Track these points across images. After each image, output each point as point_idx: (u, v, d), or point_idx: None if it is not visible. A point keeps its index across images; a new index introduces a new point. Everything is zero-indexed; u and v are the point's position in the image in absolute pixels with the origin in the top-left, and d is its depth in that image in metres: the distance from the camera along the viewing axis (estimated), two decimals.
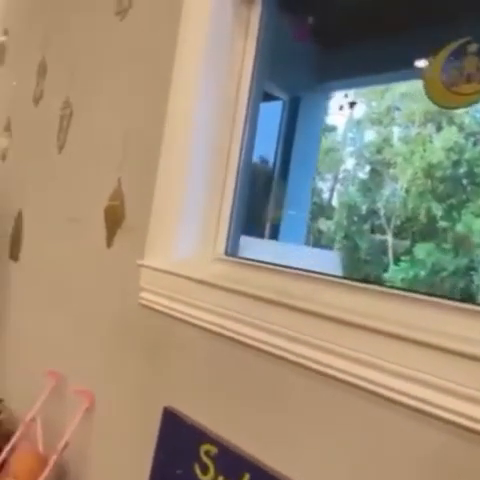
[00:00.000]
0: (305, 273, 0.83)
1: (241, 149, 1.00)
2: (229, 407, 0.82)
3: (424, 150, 4.64)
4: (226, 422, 0.81)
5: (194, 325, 0.88)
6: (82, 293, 1.20)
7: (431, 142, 4.78)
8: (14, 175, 1.66)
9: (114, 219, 1.12)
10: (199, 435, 0.83)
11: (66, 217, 1.34)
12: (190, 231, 0.98)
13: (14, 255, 1.57)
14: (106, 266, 1.12)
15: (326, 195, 5.70)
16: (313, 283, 0.80)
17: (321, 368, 0.68)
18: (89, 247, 1.20)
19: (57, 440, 1.11)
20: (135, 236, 1.04)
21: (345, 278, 0.81)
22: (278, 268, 0.87)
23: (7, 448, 1.10)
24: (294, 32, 0.89)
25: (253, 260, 0.93)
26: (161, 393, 0.93)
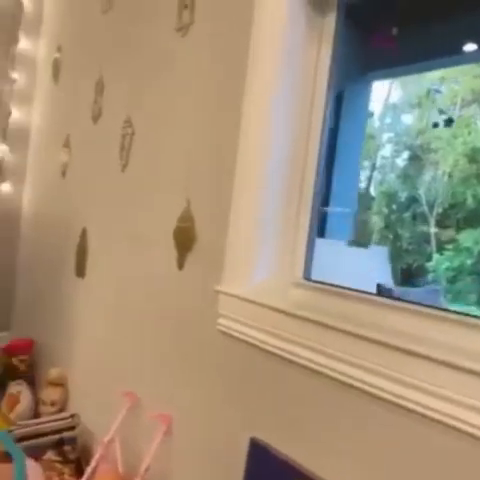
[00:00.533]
0: (389, 301, 0.80)
1: (318, 163, 0.96)
2: (315, 440, 0.79)
3: (469, 133, 4.41)
4: (311, 454, 0.79)
5: (274, 354, 0.85)
6: (154, 313, 1.20)
7: (475, 124, 4.55)
8: (76, 192, 1.69)
9: (184, 241, 1.11)
10: (289, 469, 0.81)
11: (131, 235, 1.35)
12: (268, 254, 0.95)
13: (80, 272, 1.60)
14: (179, 288, 1.11)
15: (363, 184, 5.55)
16: (399, 313, 0.76)
17: (406, 403, 0.64)
18: (159, 267, 1.20)
19: (135, 462, 1.12)
20: (208, 259, 1.03)
21: (444, 310, 0.76)
22: (359, 295, 0.84)
23: (88, 470, 1.12)
24: (374, 39, 0.84)
25: (333, 285, 0.90)
26: (242, 421, 0.91)
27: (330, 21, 0.93)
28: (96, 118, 1.57)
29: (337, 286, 0.90)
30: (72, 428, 1.44)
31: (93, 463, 1.14)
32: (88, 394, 1.51)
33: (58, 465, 1.20)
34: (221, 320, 0.96)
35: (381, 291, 2.99)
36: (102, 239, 1.51)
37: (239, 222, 0.95)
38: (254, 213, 0.94)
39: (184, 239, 1.11)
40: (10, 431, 1.35)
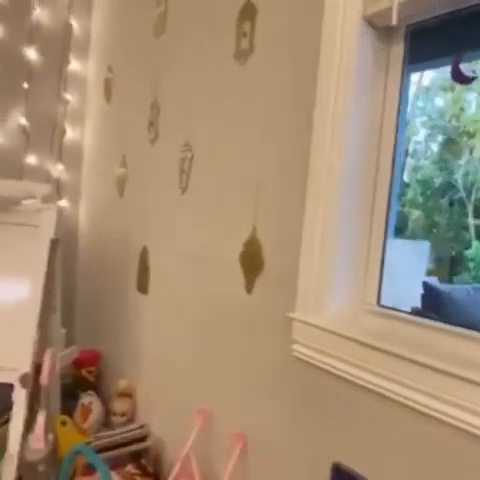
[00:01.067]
0: (460, 330, 0.81)
1: (390, 190, 0.96)
2: (392, 464, 0.81)
3: None
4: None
5: (350, 382, 0.87)
6: (223, 333, 1.25)
7: None
8: (135, 211, 1.75)
9: (252, 265, 1.14)
10: None
11: (194, 256, 1.39)
12: (340, 281, 0.97)
13: (143, 288, 1.67)
14: (249, 311, 1.15)
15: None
16: (473, 342, 0.77)
17: None
18: (226, 289, 1.24)
19: (211, 477, 1.18)
20: (278, 284, 1.06)
21: None
22: (431, 323, 0.85)
23: None
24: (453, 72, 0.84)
25: (405, 312, 0.92)
26: (322, 445, 0.95)
27: (397, 49, 0.93)
28: (153, 141, 1.62)
29: (409, 312, 0.91)
30: (144, 438, 1.53)
31: (171, 478, 1.20)
32: (155, 405, 1.58)
33: (138, 478, 1.27)
34: (296, 346, 0.99)
35: (427, 289, 2.96)
36: (164, 258, 1.56)
37: (311, 249, 0.97)
38: (327, 241, 0.95)
39: (251, 263, 1.15)
40: (88, 443, 1.44)
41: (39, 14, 2.06)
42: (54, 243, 1.48)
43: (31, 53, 2.05)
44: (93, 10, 2.22)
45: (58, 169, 2.18)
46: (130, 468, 1.30)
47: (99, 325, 2.00)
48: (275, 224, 1.09)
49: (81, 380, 1.78)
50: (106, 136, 2.06)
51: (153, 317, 1.62)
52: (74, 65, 2.19)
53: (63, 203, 2.21)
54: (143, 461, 1.37)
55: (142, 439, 1.53)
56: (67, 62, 2.16)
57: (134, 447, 1.48)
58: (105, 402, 1.73)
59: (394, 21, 0.82)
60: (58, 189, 2.19)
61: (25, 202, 1.51)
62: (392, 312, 0.93)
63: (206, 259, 1.33)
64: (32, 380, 1.41)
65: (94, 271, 2.10)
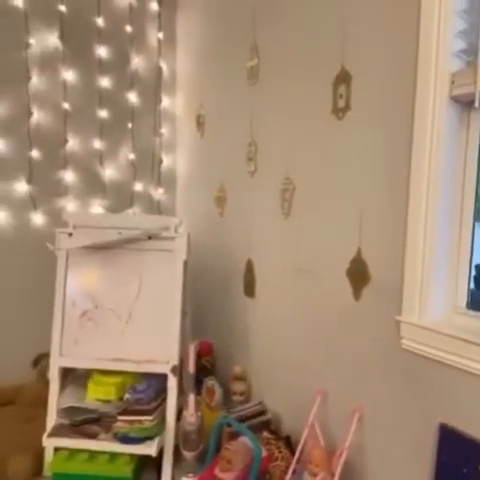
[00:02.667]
0: None
1: (473, 225, 1.27)
2: None
3: None
4: None
5: (449, 365, 1.20)
6: (330, 333, 1.60)
7: None
8: (237, 230, 2.12)
9: (359, 279, 1.48)
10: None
11: (298, 269, 1.74)
12: (438, 289, 1.29)
13: (250, 293, 2.05)
14: (357, 314, 1.49)
15: None
16: None
17: None
18: (333, 296, 1.58)
19: (334, 440, 1.56)
20: (385, 294, 1.39)
21: None
22: None
23: (301, 443, 1.57)
24: None
25: None
26: (428, 411, 1.29)
27: (475, 115, 1.22)
28: (252, 173, 1.97)
29: None
30: (264, 412, 1.92)
31: (302, 439, 1.58)
32: (269, 386, 1.97)
33: (273, 441, 1.66)
34: (403, 340, 1.33)
35: None
36: (269, 269, 1.93)
37: (413, 266, 1.30)
38: (427, 258, 1.27)
39: (358, 277, 1.49)
40: (225, 417, 1.85)
41: (137, 62, 2.43)
42: (185, 263, 1.87)
43: (132, 97, 2.43)
44: (177, 53, 2.56)
45: (159, 193, 2.58)
46: (266, 434, 1.70)
47: (211, 322, 2.40)
48: (379, 245, 1.41)
49: (202, 367, 2.19)
50: (201, 164, 2.42)
51: (261, 316, 2.00)
52: (165, 102, 2.55)
53: None
54: (272, 428, 1.76)
55: (262, 413, 1.92)
56: (159, 100, 2.53)
57: (259, 419, 1.87)
58: (222, 385, 2.14)
59: (477, 104, 1.12)
60: (159, 210, 2.59)
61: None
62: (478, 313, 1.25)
63: (312, 271, 1.68)
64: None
65: (203, 278, 2.48)
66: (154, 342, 1.83)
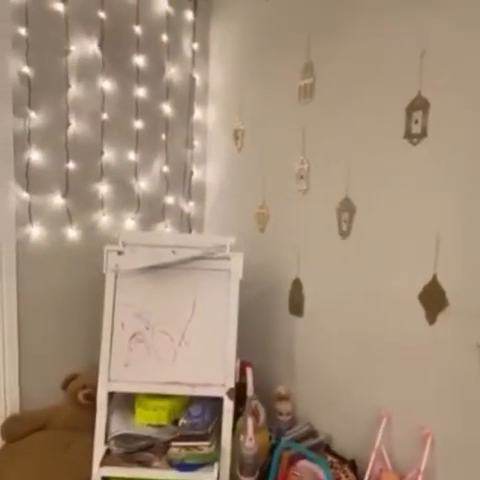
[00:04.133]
0: None
1: None
2: None
3: None
4: None
5: None
6: (400, 354, 1.61)
7: None
8: (282, 247, 2.09)
9: (434, 304, 1.49)
10: None
11: (357, 291, 1.74)
12: None
13: (297, 312, 2.03)
14: (431, 338, 1.50)
15: None
16: None
17: None
18: (402, 320, 1.59)
19: (402, 464, 1.56)
20: (464, 319, 1.40)
21: None
22: None
23: (369, 467, 1.56)
24: None
25: None
26: None
27: None
28: (304, 191, 1.96)
29: None
30: (314, 434, 1.91)
31: (370, 463, 1.58)
32: (318, 407, 1.96)
33: (338, 465, 1.65)
34: None
35: None
36: (320, 290, 1.91)
37: None
38: None
39: (433, 302, 1.50)
40: (278, 439, 1.82)
41: (172, 73, 2.37)
42: (240, 282, 1.83)
43: (166, 108, 2.37)
44: (209, 64, 2.52)
45: (190, 206, 2.52)
46: (329, 457, 1.68)
47: (252, 341, 2.35)
48: (458, 270, 1.42)
49: (243, 386, 2.14)
50: (237, 178, 2.38)
51: (310, 335, 1.98)
52: (197, 113, 2.50)
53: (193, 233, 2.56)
54: (333, 450, 1.75)
55: (313, 434, 1.91)
56: (192, 112, 2.48)
57: (311, 441, 1.85)
58: (264, 405, 2.11)
59: None
60: (190, 223, 2.53)
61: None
62: None
63: (374, 293, 1.68)
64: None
65: (241, 294, 2.43)
66: (209, 364, 1.78)
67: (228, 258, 1.81)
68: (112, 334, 1.79)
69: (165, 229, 2.44)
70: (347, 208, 1.78)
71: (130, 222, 2.30)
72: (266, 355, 2.22)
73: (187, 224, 2.53)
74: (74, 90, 2.03)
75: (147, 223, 2.36)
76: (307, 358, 2.01)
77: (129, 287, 1.81)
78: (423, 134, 1.50)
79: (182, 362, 1.78)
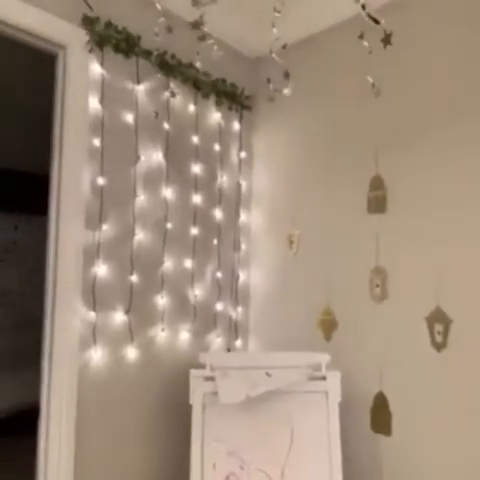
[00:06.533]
0: None
1: None
2: None
3: None
4: None
5: None
6: None
7: None
8: (358, 359, 2.00)
9: None
10: None
11: (457, 405, 1.67)
12: None
13: (380, 429, 1.89)
14: None
15: None
16: None
17: None
18: None
19: None
20: None
21: None
22: None
23: None
24: None
25: None
26: None
27: None
28: (380, 299, 1.94)
29: None
30: None
31: None
32: None
33: None
34: None
35: None
36: (411, 404, 1.82)
37: None
38: None
39: None
40: None
41: (223, 181, 2.37)
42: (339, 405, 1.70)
43: (218, 213, 2.33)
44: (253, 171, 2.56)
45: (238, 312, 2.40)
46: None
47: None
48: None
49: None
50: (291, 283, 2.33)
51: (399, 455, 1.83)
52: (242, 217, 2.49)
53: (238, 343, 2.40)
54: None
55: None
56: (238, 216, 2.46)
57: None
58: None
59: None
60: (236, 329, 2.39)
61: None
62: None
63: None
64: None
65: None
66: None
67: (324, 378, 1.69)
68: (202, 477, 1.54)
69: (217, 339, 2.27)
70: (438, 317, 1.76)
71: (185, 334, 2.12)
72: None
73: (234, 331, 2.38)
74: (141, 200, 1.95)
75: (200, 333, 2.20)
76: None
77: (219, 419, 1.61)
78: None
79: None
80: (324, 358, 1.71)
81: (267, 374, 1.63)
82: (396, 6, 1.92)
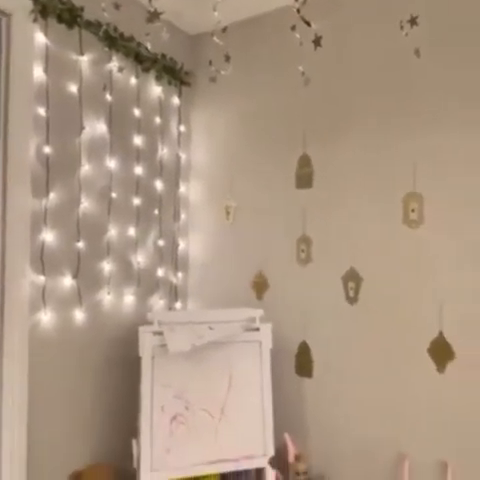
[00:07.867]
0: None
1: None
2: None
3: None
4: None
5: None
6: (416, 401, 1.91)
7: None
8: (286, 313, 2.29)
9: (442, 356, 1.85)
10: None
11: (372, 346, 2.03)
12: None
13: (304, 373, 2.21)
14: (443, 385, 1.84)
15: None
16: None
17: None
18: (415, 370, 1.91)
19: None
20: (470, 369, 1.78)
21: None
22: None
23: None
24: None
25: None
26: None
27: None
28: (304, 262, 2.23)
29: None
30: None
31: None
32: (331, 465, 2.13)
33: None
34: None
35: None
36: (328, 351, 2.16)
37: None
38: None
39: (441, 354, 1.85)
40: None
41: (164, 153, 2.49)
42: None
43: (159, 184, 2.46)
44: (192, 145, 2.70)
45: (178, 277, 2.58)
46: None
47: None
48: (463, 329, 1.81)
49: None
50: (227, 250, 2.54)
51: (321, 396, 2.18)
52: (182, 189, 2.63)
53: (178, 305, 2.60)
54: None
55: None
56: (178, 187, 2.60)
57: None
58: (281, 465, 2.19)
59: None
60: (176, 294, 2.58)
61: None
62: None
63: (390, 350, 1.99)
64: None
65: None
66: (249, 436, 1.84)
67: (258, 329, 1.95)
68: (152, 420, 1.74)
69: (159, 301, 2.44)
70: (352, 276, 2.09)
71: (129, 297, 2.26)
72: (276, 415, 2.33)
73: (174, 295, 2.56)
74: (86, 169, 2.02)
75: (144, 297, 2.35)
76: (319, 417, 2.19)
77: (166, 367, 1.80)
78: (420, 221, 1.93)
79: (224, 438, 1.81)
80: (257, 313, 1.97)
81: (210, 327, 1.85)
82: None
